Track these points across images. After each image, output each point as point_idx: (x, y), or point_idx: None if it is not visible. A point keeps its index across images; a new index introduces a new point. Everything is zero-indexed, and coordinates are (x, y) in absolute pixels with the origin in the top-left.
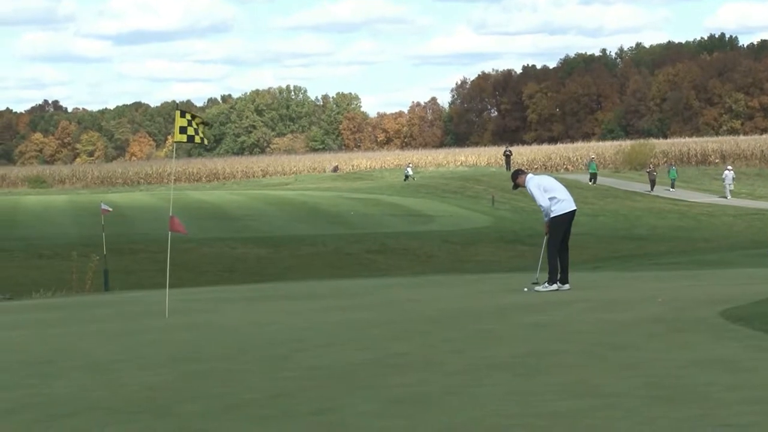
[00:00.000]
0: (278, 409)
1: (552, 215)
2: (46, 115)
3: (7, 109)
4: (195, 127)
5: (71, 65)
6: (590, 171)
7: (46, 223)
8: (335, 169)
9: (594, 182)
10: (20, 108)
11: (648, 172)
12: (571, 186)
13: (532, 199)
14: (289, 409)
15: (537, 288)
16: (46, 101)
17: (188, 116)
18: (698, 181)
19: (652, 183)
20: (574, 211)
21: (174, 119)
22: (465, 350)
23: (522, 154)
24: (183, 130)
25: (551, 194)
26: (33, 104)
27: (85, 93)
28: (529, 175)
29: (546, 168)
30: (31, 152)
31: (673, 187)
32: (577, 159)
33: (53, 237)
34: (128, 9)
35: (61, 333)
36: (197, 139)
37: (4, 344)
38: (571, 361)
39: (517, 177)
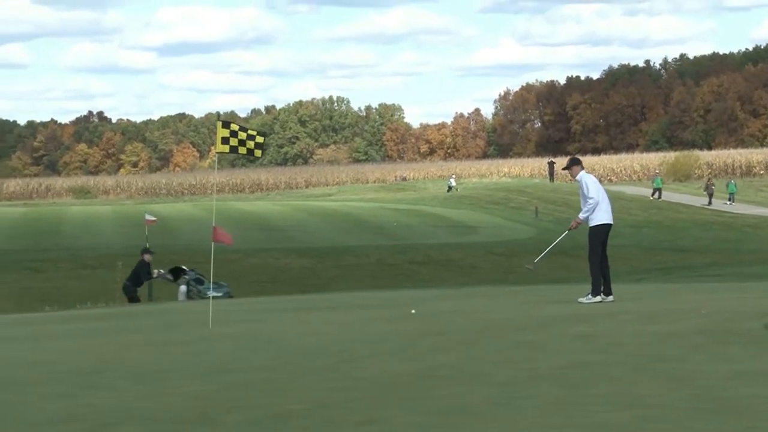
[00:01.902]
0: (323, 419)
1: (592, 224)
2: (91, 126)
3: (52, 120)
4: (243, 138)
5: (116, 76)
6: (655, 186)
7: (90, 233)
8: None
9: (659, 197)
10: (65, 119)
11: (706, 186)
12: (614, 197)
13: (583, 190)
14: (335, 420)
15: (580, 300)
16: (90, 112)
17: (234, 127)
18: (743, 192)
19: (710, 196)
20: (611, 225)
21: (216, 130)
22: (509, 361)
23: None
24: (225, 140)
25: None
26: (78, 115)
27: (129, 104)
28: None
29: None
30: (76, 163)
31: (731, 200)
32: (620, 170)
33: (98, 247)
34: (174, 21)
35: (106, 343)
36: (241, 150)
37: (51, 354)
38: (615, 372)
39: (574, 164)
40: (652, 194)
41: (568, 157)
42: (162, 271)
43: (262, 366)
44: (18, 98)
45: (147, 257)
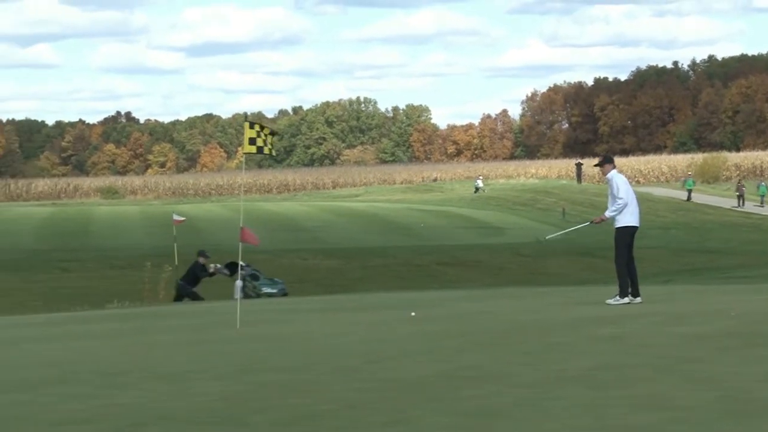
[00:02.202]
0: (350, 420)
1: (620, 224)
2: (119, 127)
3: (80, 120)
4: (264, 137)
5: (144, 77)
6: (687, 188)
7: (118, 233)
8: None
9: (688, 198)
10: (93, 119)
11: (737, 187)
12: (642, 199)
13: (613, 190)
14: (362, 421)
15: (608, 301)
16: (118, 112)
17: (257, 127)
18: None
19: (741, 198)
20: (637, 228)
21: (244, 130)
22: (537, 363)
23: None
24: (252, 141)
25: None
26: (106, 115)
27: (157, 104)
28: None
29: None
30: (104, 163)
31: (762, 204)
32: (648, 172)
33: (126, 248)
34: (201, 21)
35: (133, 343)
36: (267, 150)
37: (79, 354)
38: (644, 374)
39: (607, 162)
40: (688, 198)
41: (602, 155)
42: (219, 266)
43: (289, 366)
44: (46, 98)
45: (202, 260)
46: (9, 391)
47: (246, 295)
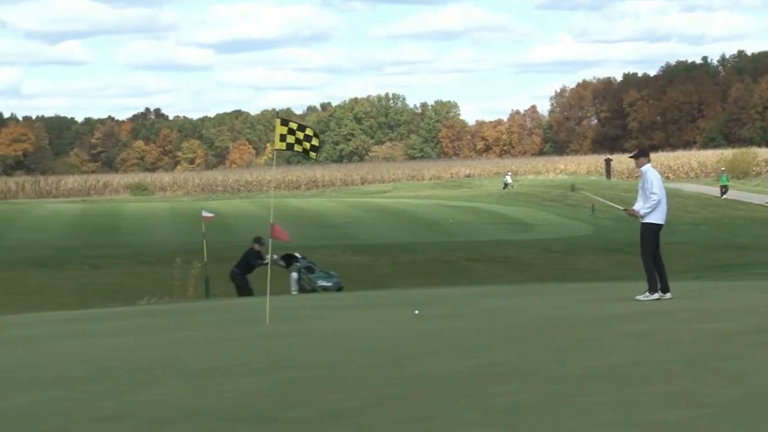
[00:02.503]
0: (380, 416)
1: (647, 220)
2: (148, 123)
3: (110, 117)
4: (300, 137)
5: (173, 73)
6: (721, 183)
7: (147, 230)
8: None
9: (723, 194)
10: (122, 116)
11: None
12: (672, 195)
13: (646, 184)
14: (391, 417)
15: (638, 297)
16: (147, 109)
17: (292, 125)
18: None
19: None
20: (662, 226)
21: (274, 127)
22: (567, 359)
23: (622, 162)
24: (283, 138)
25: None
26: (135, 112)
27: (186, 101)
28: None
29: None
30: (133, 160)
31: None
32: (678, 167)
33: (155, 244)
34: (230, 17)
35: (163, 340)
36: (297, 148)
37: (108, 351)
38: (673, 370)
39: (643, 155)
40: (721, 194)
41: (639, 148)
42: (276, 256)
43: (318, 363)
44: (76, 95)
45: (258, 246)
46: (44, 388)
47: (301, 288)
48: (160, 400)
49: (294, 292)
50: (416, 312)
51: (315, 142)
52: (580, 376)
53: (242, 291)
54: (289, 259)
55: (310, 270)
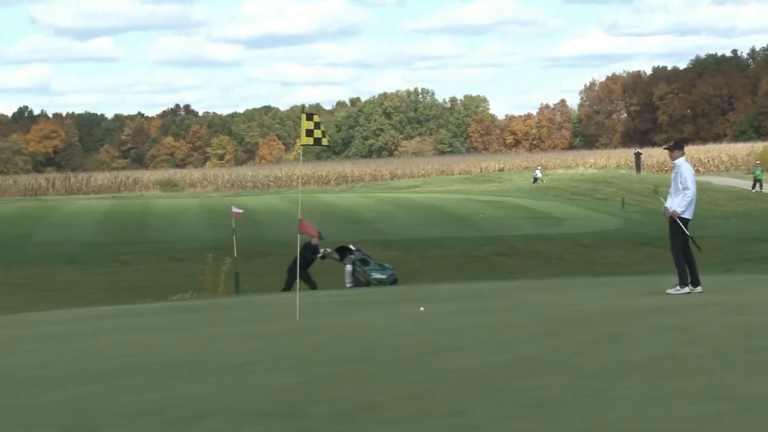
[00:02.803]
0: (409, 411)
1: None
2: (178, 119)
3: (139, 113)
4: (323, 129)
5: (203, 69)
6: (755, 177)
7: (177, 226)
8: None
9: (759, 189)
10: (152, 112)
11: None
12: (702, 188)
13: (679, 177)
14: (421, 412)
15: (669, 291)
16: (177, 105)
17: (316, 118)
18: None
19: None
20: (690, 220)
21: (301, 123)
22: (597, 354)
23: (652, 155)
24: (310, 132)
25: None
26: (165, 108)
27: (215, 97)
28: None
29: None
30: (163, 156)
31: None
32: (708, 161)
33: (185, 240)
34: (260, 13)
35: (194, 336)
36: (324, 141)
37: (141, 347)
38: (705, 364)
39: (677, 148)
40: (753, 186)
41: (674, 139)
42: (329, 250)
43: (348, 358)
44: (106, 91)
45: (315, 240)
46: (75, 383)
47: (356, 281)
48: (190, 395)
49: (348, 285)
50: (422, 309)
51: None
52: (612, 371)
53: (308, 283)
54: (342, 252)
55: (364, 262)
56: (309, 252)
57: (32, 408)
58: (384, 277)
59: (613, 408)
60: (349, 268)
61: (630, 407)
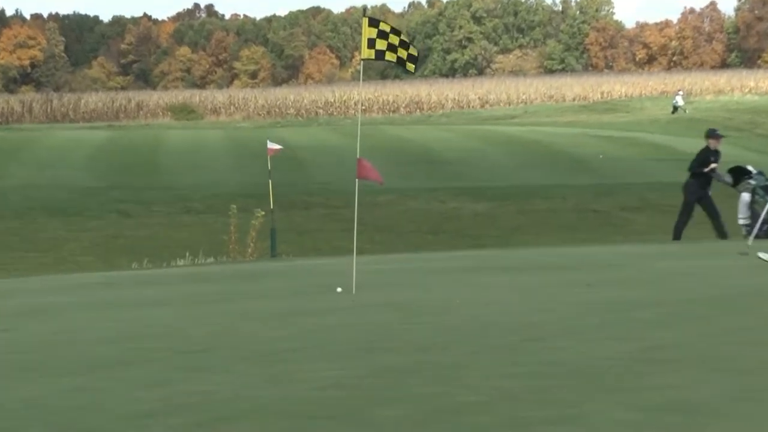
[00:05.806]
0: (504, 416)
1: None
2: (196, 24)
3: (145, 15)
4: (395, 42)
5: None
6: None
7: (195, 166)
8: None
9: None
10: (162, 14)
11: None
12: None
13: None
14: (518, 416)
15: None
16: (196, 5)
17: (384, 27)
18: None
19: None
20: None
21: (362, 30)
22: (758, 343)
23: None
24: (371, 43)
25: None
26: (179, 9)
27: None
28: None
29: None
30: (176, 73)
31: None
32: None
33: (205, 186)
34: None
35: (218, 312)
36: (390, 57)
37: (149, 326)
38: None
39: None
40: None
41: None
42: (715, 167)
43: (422, 345)
44: None
45: (713, 142)
46: (62, 374)
47: (753, 215)
48: (213, 391)
49: (741, 221)
50: (339, 290)
51: (412, 50)
52: None
53: (710, 215)
54: (738, 174)
55: (767, 190)
56: (711, 155)
57: (8, 406)
58: None
59: None
60: (745, 197)
61: None
